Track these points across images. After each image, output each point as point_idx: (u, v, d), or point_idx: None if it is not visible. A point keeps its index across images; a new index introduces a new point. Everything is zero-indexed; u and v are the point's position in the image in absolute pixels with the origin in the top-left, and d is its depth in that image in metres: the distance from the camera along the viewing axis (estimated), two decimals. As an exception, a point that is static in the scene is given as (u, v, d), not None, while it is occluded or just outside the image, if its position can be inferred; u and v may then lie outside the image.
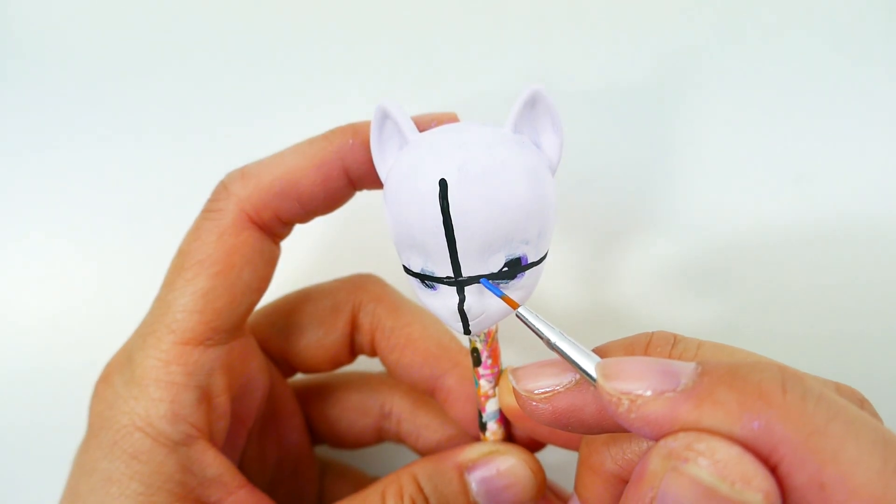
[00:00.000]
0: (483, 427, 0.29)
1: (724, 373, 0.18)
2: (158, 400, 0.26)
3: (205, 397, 0.27)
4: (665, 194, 0.37)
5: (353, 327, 0.32)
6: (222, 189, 0.27)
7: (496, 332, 0.27)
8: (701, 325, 0.37)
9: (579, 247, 0.38)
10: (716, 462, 0.16)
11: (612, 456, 0.23)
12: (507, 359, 0.29)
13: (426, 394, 0.32)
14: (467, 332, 0.24)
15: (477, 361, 0.27)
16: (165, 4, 0.39)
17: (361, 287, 0.32)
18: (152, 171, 0.40)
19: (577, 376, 0.21)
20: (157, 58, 0.40)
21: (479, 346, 0.27)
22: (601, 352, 0.21)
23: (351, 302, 0.32)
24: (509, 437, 0.30)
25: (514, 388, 0.22)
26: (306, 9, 0.39)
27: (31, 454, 0.40)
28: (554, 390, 0.21)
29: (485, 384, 0.28)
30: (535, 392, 0.22)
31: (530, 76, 0.37)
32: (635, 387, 0.18)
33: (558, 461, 0.34)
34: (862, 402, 0.20)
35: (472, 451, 0.29)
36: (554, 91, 0.23)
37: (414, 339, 0.31)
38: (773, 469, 0.17)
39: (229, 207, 0.27)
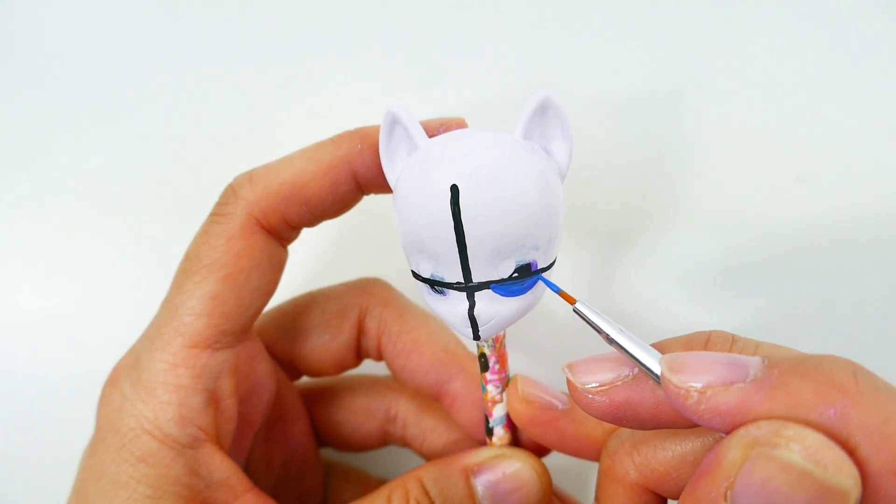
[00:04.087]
0: (490, 432, 0.29)
1: (793, 364, 0.18)
2: (166, 403, 0.26)
3: (212, 400, 0.27)
4: (672, 196, 0.37)
5: (360, 331, 0.32)
6: (231, 193, 0.27)
7: (504, 337, 0.27)
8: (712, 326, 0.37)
9: (586, 250, 0.38)
10: (807, 447, 0.17)
11: (636, 465, 0.24)
12: (515, 364, 0.30)
13: (431, 398, 0.32)
14: (477, 337, 0.24)
15: (484, 367, 0.28)
16: (172, 6, 0.39)
17: (368, 291, 0.32)
18: (159, 172, 0.40)
19: (634, 370, 0.21)
20: (165, 58, 0.40)
21: (486, 351, 0.27)
22: (659, 348, 0.21)
23: (358, 306, 0.32)
24: (515, 442, 0.30)
25: (568, 380, 0.22)
26: (314, 13, 0.39)
27: (38, 456, 0.40)
28: (612, 384, 0.21)
29: (492, 389, 0.28)
30: (591, 385, 0.22)
31: (536, 79, 0.37)
32: (704, 378, 0.19)
33: (564, 465, 0.34)
34: None
35: (478, 455, 0.29)
36: (560, 95, 0.23)
37: (420, 343, 0.31)
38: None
39: (238, 211, 0.27)
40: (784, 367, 0.18)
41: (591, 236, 0.38)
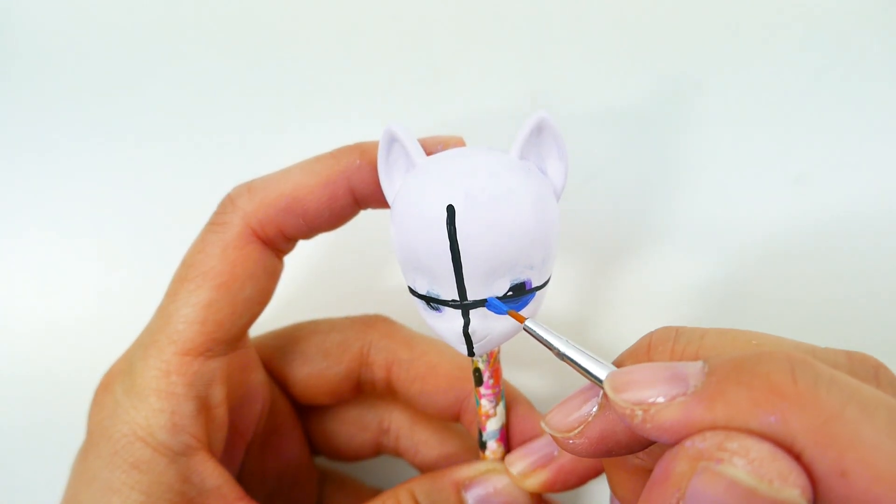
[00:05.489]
0: (483, 446, 0.29)
1: (731, 368, 0.17)
2: (159, 410, 0.26)
3: (203, 408, 0.27)
4: (669, 209, 0.37)
5: (361, 364, 0.32)
6: (228, 203, 0.27)
7: (498, 352, 0.27)
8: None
9: (583, 267, 0.38)
10: (751, 461, 0.16)
11: None
12: (507, 376, 0.30)
13: (450, 420, 0.32)
14: (471, 354, 0.24)
15: (479, 381, 0.28)
16: (177, 14, 0.39)
17: (371, 326, 0.32)
18: (158, 179, 0.40)
19: (600, 399, 0.21)
20: (169, 64, 0.40)
21: (481, 366, 0.27)
22: (615, 363, 0.21)
23: (360, 340, 0.32)
24: (509, 455, 0.30)
25: (548, 433, 0.22)
26: (316, 27, 0.39)
27: (29, 458, 0.40)
28: (585, 421, 0.21)
29: (486, 403, 0.28)
30: (567, 430, 0.21)
31: (535, 93, 0.37)
32: (645, 395, 0.18)
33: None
34: (877, 369, 0.19)
35: (469, 469, 0.29)
36: (556, 110, 0.23)
37: (434, 365, 0.31)
38: (795, 461, 0.16)
39: (235, 221, 0.27)
40: (722, 373, 0.18)
41: (587, 252, 0.38)
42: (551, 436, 0.22)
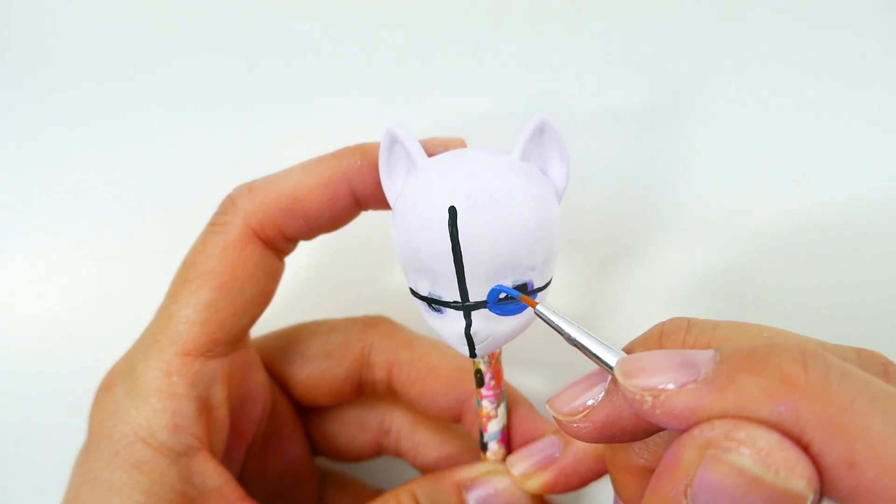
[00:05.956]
0: (484, 447, 0.29)
1: (742, 358, 0.18)
2: (160, 411, 0.26)
3: (205, 408, 0.27)
4: (670, 208, 0.37)
5: (362, 365, 0.32)
6: (229, 203, 0.27)
7: (500, 353, 0.27)
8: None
9: (585, 266, 0.38)
10: (758, 450, 0.16)
11: (637, 451, 0.23)
12: (509, 377, 0.30)
13: (451, 422, 0.32)
14: (473, 355, 0.24)
15: (480, 382, 0.28)
16: (177, 13, 0.39)
17: (372, 326, 0.32)
18: (159, 179, 0.40)
19: (607, 385, 0.21)
20: (170, 64, 0.40)
21: (482, 367, 0.27)
22: (625, 350, 0.21)
23: (362, 341, 0.32)
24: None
25: (554, 416, 0.22)
26: (317, 27, 0.39)
27: (29, 459, 0.40)
28: (590, 406, 0.21)
29: (487, 405, 0.28)
30: (572, 414, 0.21)
31: (535, 94, 0.37)
32: (656, 382, 0.18)
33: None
34: (886, 367, 0.19)
35: (471, 470, 0.29)
36: (557, 111, 0.23)
37: (435, 366, 0.31)
38: (803, 451, 0.16)
39: (235, 222, 0.27)
40: (733, 361, 0.18)
41: (589, 252, 0.38)
42: (555, 419, 0.22)
